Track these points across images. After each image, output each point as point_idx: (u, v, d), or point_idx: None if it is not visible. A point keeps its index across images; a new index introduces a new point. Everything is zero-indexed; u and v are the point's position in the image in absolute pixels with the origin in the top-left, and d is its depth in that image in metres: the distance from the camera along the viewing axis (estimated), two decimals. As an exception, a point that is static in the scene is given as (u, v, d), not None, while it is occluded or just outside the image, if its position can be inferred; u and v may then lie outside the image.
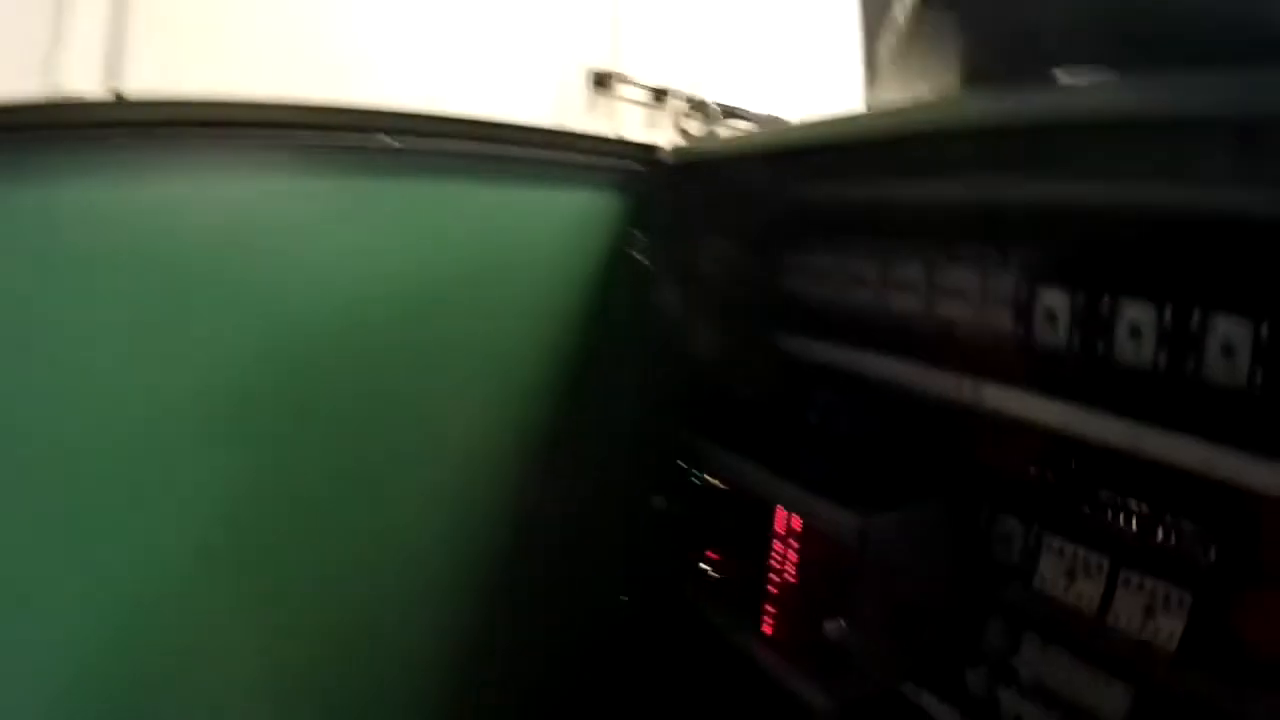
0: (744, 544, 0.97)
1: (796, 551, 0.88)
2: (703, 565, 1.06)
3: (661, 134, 1.06)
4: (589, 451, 1.10)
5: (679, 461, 1.09)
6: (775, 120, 1.28)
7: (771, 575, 0.92)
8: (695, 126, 1.04)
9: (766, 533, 0.92)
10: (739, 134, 0.97)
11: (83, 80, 0.93)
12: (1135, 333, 0.70)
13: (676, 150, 1.06)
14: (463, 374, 0.98)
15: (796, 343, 1.14)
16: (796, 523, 0.88)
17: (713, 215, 1.12)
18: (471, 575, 1.02)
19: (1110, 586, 0.71)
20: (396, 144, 0.88)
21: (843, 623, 0.80)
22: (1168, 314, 0.65)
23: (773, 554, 0.91)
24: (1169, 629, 0.68)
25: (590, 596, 1.15)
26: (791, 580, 0.89)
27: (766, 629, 0.93)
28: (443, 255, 0.95)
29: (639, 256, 1.09)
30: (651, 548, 1.15)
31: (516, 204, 0.99)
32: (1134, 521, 0.72)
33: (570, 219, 1.04)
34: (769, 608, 0.93)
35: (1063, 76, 0.70)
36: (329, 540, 0.89)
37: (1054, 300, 0.76)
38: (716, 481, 1.02)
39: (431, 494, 0.97)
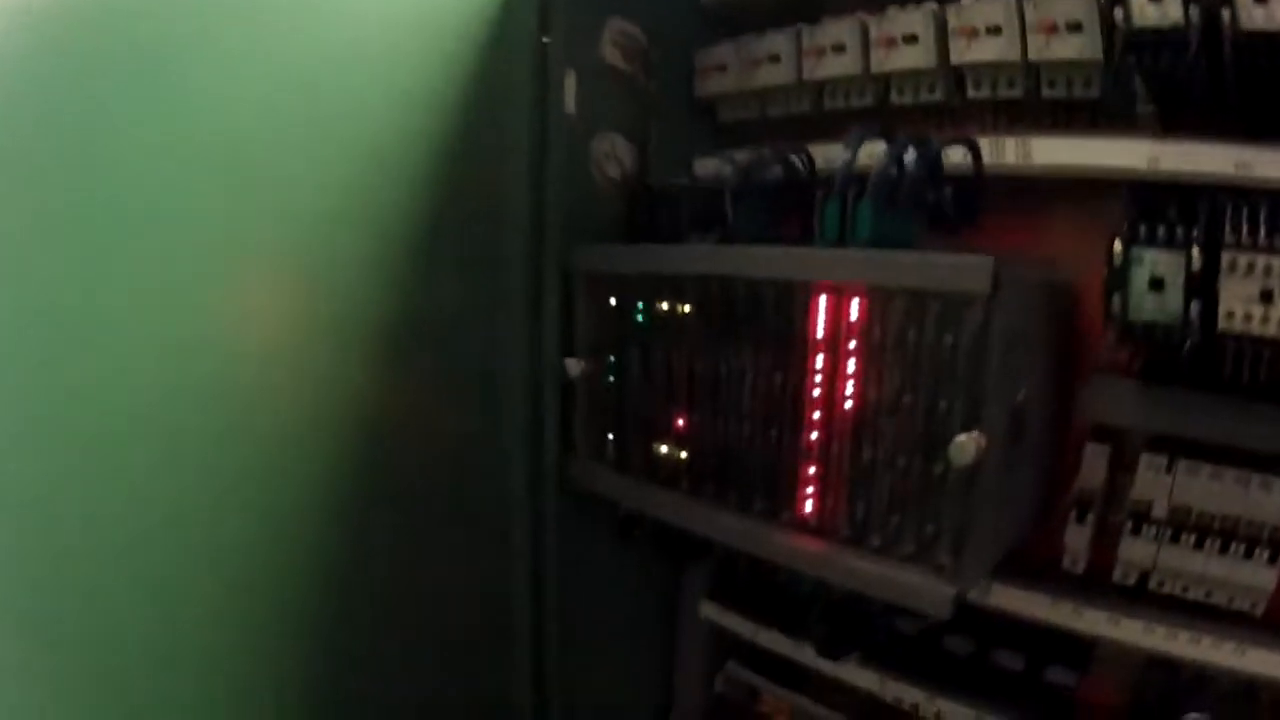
0: (735, 389, 0.61)
1: (858, 354, 0.54)
2: (660, 448, 0.67)
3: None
4: (467, 290, 0.69)
5: (609, 299, 0.70)
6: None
7: (806, 416, 0.56)
8: None
9: (784, 351, 0.57)
10: None
11: None
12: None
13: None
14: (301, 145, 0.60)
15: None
16: (854, 304, 0.54)
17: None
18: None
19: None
20: None
21: (980, 435, 0.47)
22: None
23: (810, 377, 0.56)
24: None
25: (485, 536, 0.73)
26: (850, 408, 0.54)
27: (802, 507, 0.57)
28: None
29: (536, 33, 0.72)
30: (561, 437, 0.75)
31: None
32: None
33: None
34: (806, 469, 0.57)
35: None
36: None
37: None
38: (679, 307, 0.65)
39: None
